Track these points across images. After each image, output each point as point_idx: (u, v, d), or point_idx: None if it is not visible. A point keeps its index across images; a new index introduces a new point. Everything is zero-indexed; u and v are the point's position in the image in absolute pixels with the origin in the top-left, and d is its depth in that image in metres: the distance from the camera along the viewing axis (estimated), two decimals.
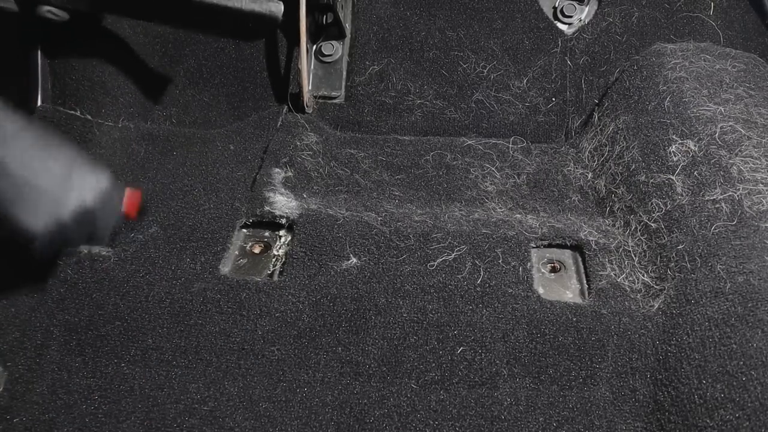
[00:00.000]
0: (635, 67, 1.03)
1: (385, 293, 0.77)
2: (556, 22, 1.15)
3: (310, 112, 1.11)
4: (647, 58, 1.03)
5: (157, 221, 0.86)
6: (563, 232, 0.85)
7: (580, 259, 0.83)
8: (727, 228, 0.74)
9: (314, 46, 1.16)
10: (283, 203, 0.89)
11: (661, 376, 0.67)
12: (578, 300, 0.78)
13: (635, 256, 0.81)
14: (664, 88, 0.94)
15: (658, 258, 0.78)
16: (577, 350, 0.72)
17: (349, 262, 0.81)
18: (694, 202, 0.78)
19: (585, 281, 0.80)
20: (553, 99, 1.10)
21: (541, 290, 0.79)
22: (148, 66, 1.13)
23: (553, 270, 0.82)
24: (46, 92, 0.98)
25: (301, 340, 0.74)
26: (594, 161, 0.99)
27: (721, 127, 0.84)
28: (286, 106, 1.10)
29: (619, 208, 0.88)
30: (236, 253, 0.85)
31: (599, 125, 1.02)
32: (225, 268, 0.82)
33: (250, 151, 1.00)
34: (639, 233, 0.83)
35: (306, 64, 1.07)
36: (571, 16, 1.15)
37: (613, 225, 0.87)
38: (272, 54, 1.15)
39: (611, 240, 0.84)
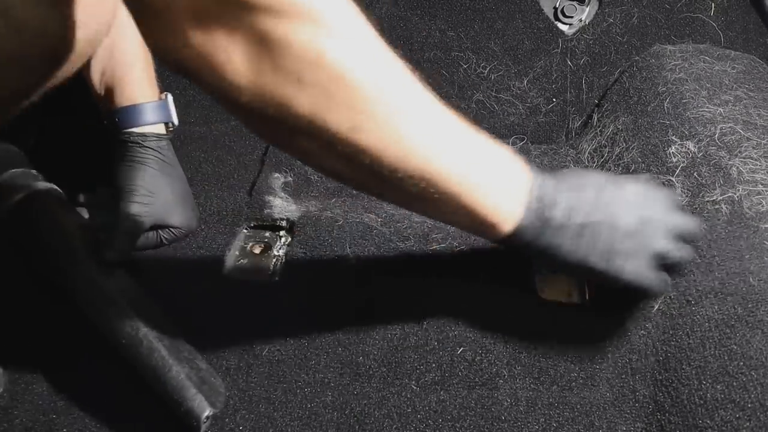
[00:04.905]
0: (634, 69, 1.03)
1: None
2: (556, 22, 1.15)
3: None
4: (646, 59, 1.03)
5: None
6: None
7: None
8: (727, 229, 0.74)
9: None
10: (282, 207, 0.89)
11: (661, 377, 0.67)
12: (578, 300, 0.78)
13: None
14: (664, 89, 0.94)
15: None
16: (577, 351, 0.72)
17: (349, 262, 0.81)
18: (694, 202, 0.78)
19: (585, 281, 0.80)
20: (554, 99, 1.10)
21: (541, 290, 0.79)
22: None
23: (554, 270, 0.82)
24: None
25: (300, 340, 0.74)
26: (594, 162, 0.99)
27: (721, 129, 0.83)
28: None
29: None
30: (236, 253, 0.85)
31: (599, 126, 1.02)
32: (225, 269, 0.82)
33: (249, 154, 1.00)
34: None
35: None
36: (571, 17, 1.15)
37: None
38: None
39: None
